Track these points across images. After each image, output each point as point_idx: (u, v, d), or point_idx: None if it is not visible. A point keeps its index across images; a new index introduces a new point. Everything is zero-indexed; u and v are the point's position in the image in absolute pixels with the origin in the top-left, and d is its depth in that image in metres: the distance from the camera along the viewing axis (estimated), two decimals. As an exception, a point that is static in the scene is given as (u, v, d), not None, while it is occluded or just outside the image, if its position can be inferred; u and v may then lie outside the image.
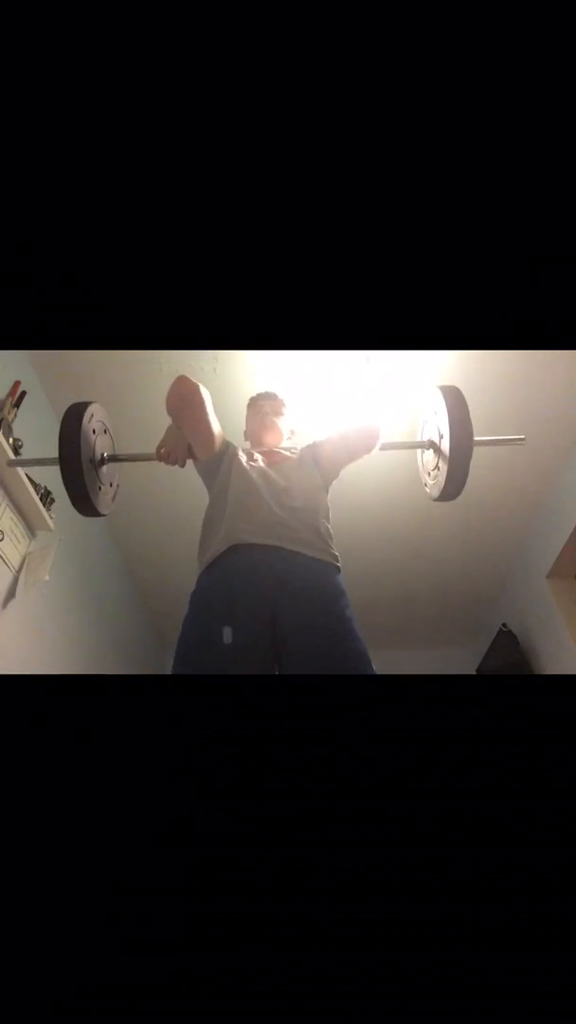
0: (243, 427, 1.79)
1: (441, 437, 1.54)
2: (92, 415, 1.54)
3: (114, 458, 1.67)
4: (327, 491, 1.60)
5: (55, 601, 2.46)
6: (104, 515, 1.67)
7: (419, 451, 1.78)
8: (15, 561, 2.11)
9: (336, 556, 1.38)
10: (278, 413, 1.76)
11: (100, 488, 1.61)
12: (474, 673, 3.42)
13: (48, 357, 2.38)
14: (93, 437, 1.55)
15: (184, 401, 1.49)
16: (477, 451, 1.53)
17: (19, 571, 2.12)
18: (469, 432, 1.47)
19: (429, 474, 1.71)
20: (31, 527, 2.23)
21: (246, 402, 1.89)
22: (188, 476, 1.67)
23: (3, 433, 1.96)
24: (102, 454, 1.61)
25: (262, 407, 1.77)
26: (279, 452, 1.65)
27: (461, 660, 3.65)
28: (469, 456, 1.48)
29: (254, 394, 1.86)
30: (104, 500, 1.64)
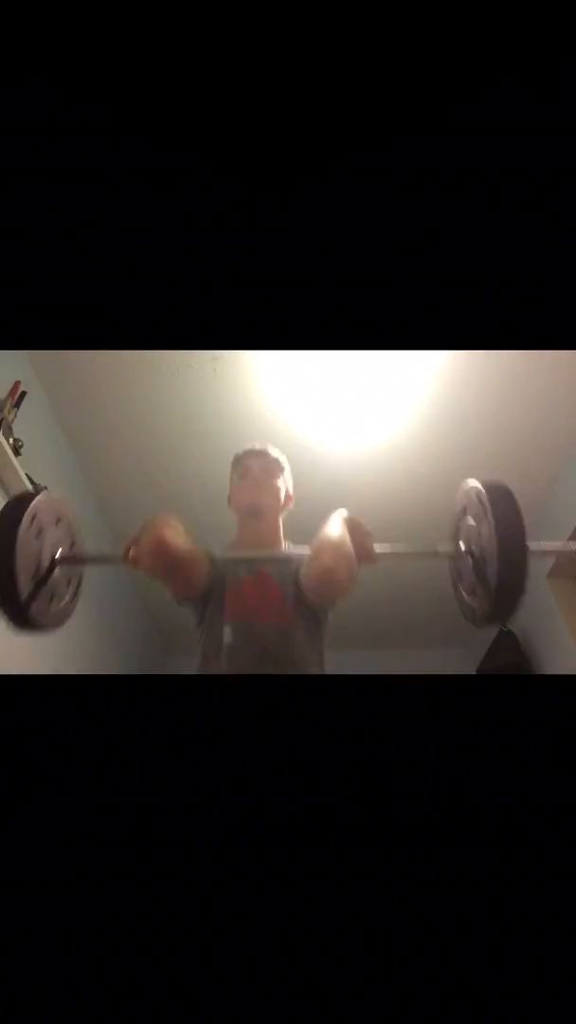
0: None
1: (483, 552, 1.15)
2: (34, 516, 1.17)
3: (68, 559, 1.32)
4: (324, 625, 1.30)
5: (55, 601, 2.45)
6: (55, 629, 1.34)
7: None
8: (15, 561, 2.11)
9: None
10: (271, 476, 1.41)
11: (53, 597, 1.29)
12: (474, 673, 3.42)
13: (48, 357, 2.38)
14: (36, 544, 1.20)
15: (161, 570, 1.17)
16: (478, 451, 1.42)
17: (19, 571, 2.11)
18: (522, 550, 1.07)
19: (465, 588, 1.29)
20: (31, 527, 2.22)
21: (246, 403, 1.86)
22: (188, 476, 1.67)
23: (3, 433, 1.96)
24: (52, 555, 1.27)
25: (250, 468, 1.41)
26: (271, 585, 1.25)
27: (461, 660, 3.64)
28: (524, 581, 1.08)
29: (239, 451, 1.47)
30: (55, 612, 1.32)
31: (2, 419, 2.00)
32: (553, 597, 2.87)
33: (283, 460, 1.46)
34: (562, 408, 2.52)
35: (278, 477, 1.42)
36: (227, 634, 1.20)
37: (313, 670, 1.21)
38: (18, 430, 2.08)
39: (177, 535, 1.17)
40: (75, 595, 1.41)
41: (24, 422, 2.14)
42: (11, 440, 2.02)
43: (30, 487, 2.10)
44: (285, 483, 1.45)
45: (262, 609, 1.22)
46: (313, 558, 1.17)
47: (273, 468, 1.42)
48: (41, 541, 1.22)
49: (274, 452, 1.45)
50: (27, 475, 2.09)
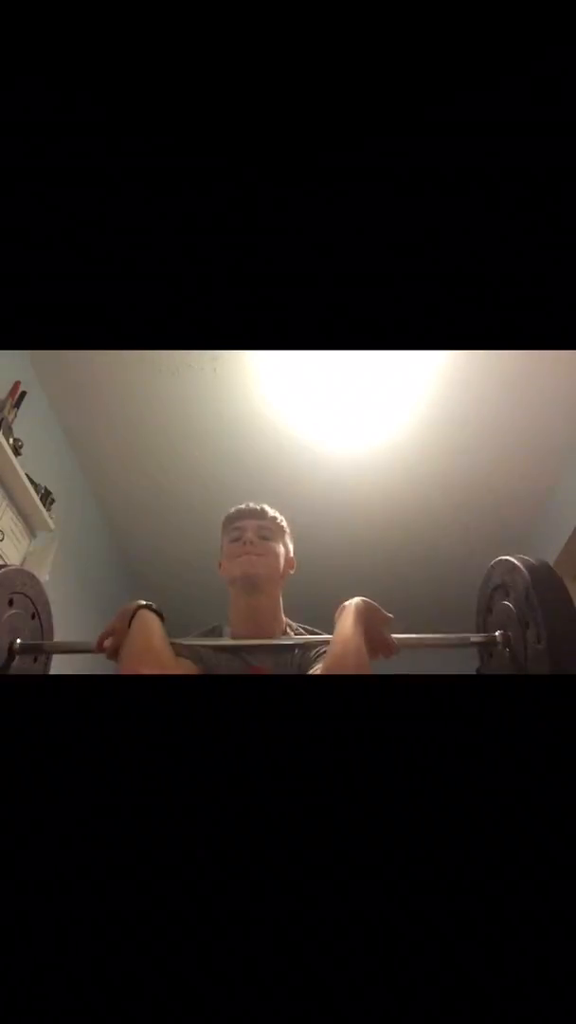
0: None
1: (526, 644, 1.01)
2: None
3: (31, 649, 1.19)
4: None
5: (55, 601, 2.46)
6: None
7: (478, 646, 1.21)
8: (15, 561, 2.11)
9: None
10: (269, 538, 1.19)
11: None
12: (474, 673, 3.41)
13: (48, 357, 2.38)
14: None
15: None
16: (478, 451, 1.40)
17: (19, 571, 2.12)
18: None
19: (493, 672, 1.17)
20: (31, 527, 2.23)
21: (246, 403, 1.86)
22: (188, 476, 1.67)
23: (3, 433, 1.96)
24: (12, 643, 1.14)
25: (243, 530, 1.18)
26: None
27: (461, 660, 3.64)
28: None
29: (231, 509, 1.25)
30: None
31: (2, 419, 2.00)
32: (553, 597, 2.87)
33: (283, 521, 1.24)
34: (562, 408, 2.53)
35: (278, 541, 1.20)
36: None
37: None
38: (18, 430, 2.08)
39: (158, 664, 0.98)
40: (46, 666, 1.26)
41: (24, 422, 2.14)
42: (11, 440, 2.02)
43: (30, 487, 2.10)
44: (286, 547, 1.23)
45: None
46: None
47: (272, 531, 1.20)
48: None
49: (272, 511, 1.23)
50: (27, 475, 2.09)
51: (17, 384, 2.13)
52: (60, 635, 2.65)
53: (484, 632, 1.15)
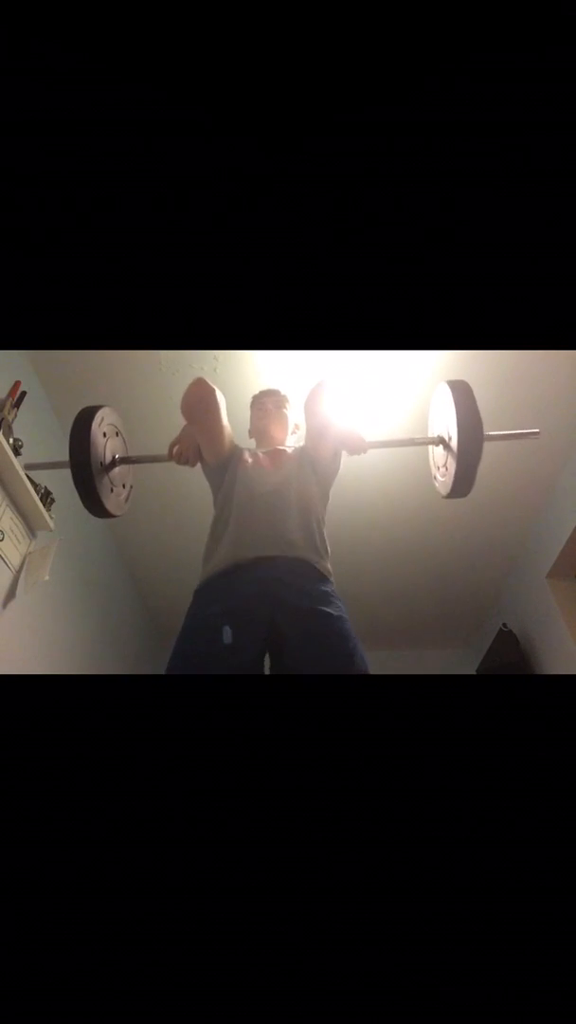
0: (240, 438, 1.80)
1: (450, 435, 1.55)
2: (102, 419, 1.58)
3: (125, 460, 1.73)
4: (327, 497, 1.65)
5: (55, 601, 2.46)
6: (116, 516, 1.74)
7: (430, 448, 1.80)
8: (15, 561, 2.11)
9: (328, 569, 1.41)
10: (281, 407, 1.83)
11: (112, 490, 1.69)
12: (474, 673, 3.42)
13: (48, 357, 2.38)
14: (103, 440, 1.61)
15: (201, 404, 1.53)
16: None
17: (19, 571, 2.12)
18: (478, 427, 1.48)
19: (439, 471, 1.73)
20: (31, 527, 2.23)
21: (247, 402, 1.89)
22: (189, 475, 1.68)
23: (3, 433, 1.96)
24: (113, 456, 1.67)
25: (264, 403, 1.84)
26: (282, 451, 1.68)
27: (461, 660, 3.65)
28: (479, 452, 1.48)
29: (256, 392, 1.91)
30: (116, 501, 1.73)
31: (2, 419, 2.00)
32: (553, 597, 2.87)
33: (289, 397, 1.87)
34: (562, 408, 2.52)
35: (286, 407, 1.84)
36: (239, 490, 1.50)
37: (317, 507, 1.52)
38: (18, 430, 2.08)
39: (222, 404, 1.55)
40: (128, 496, 1.84)
41: (24, 422, 2.14)
42: (11, 440, 2.02)
43: (30, 487, 2.10)
44: (293, 413, 1.84)
45: (273, 459, 1.62)
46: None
47: (282, 401, 1.84)
48: (106, 441, 1.64)
49: (282, 392, 1.88)
50: (27, 475, 2.09)
51: (17, 384, 2.13)
52: (62, 638, 2.64)
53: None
